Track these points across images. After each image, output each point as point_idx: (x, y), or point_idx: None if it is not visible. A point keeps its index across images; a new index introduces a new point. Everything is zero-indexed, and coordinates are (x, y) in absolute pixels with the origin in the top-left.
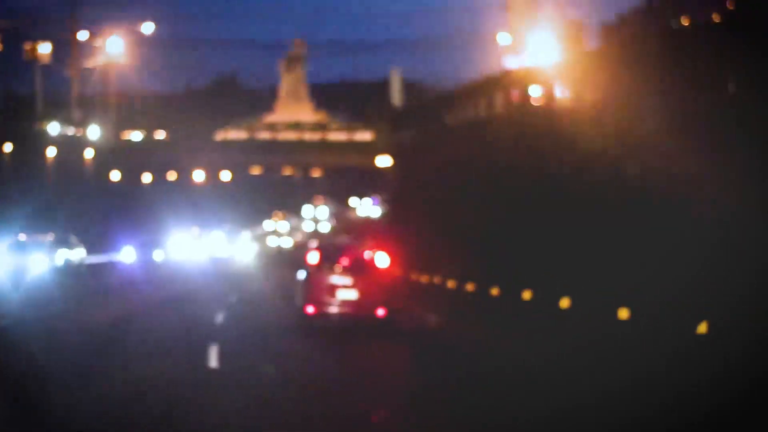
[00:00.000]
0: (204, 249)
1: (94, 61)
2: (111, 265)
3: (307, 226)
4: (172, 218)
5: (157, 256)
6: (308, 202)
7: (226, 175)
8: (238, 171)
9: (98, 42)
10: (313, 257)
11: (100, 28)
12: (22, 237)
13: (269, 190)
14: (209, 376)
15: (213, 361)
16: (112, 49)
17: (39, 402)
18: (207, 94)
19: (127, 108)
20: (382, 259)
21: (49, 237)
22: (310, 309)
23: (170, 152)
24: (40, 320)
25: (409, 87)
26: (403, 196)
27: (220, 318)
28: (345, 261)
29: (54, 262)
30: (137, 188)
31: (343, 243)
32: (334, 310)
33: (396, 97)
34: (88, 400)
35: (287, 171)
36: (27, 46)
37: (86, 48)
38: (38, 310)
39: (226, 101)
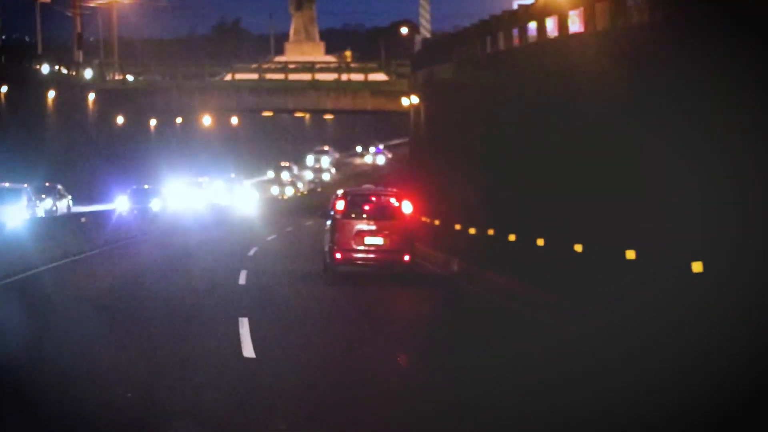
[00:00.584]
0: (204, 197)
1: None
2: (101, 216)
3: (309, 175)
4: (174, 165)
5: (155, 205)
6: (316, 149)
7: (234, 120)
8: (247, 114)
9: None
10: (340, 205)
11: None
12: None
13: (277, 135)
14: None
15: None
16: None
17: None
18: (212, 39)
19: (129, 52)
20: (406, 206)
21: (25, 185)
22: (338, 255)
23: (177, 96)
24: None
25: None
26: (426, 139)
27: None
28: (371, 208)
29: (35, 212)
30: (141, 133)
31: (368, 191)
32: (361, 255)
33: (422, 32)
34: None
35: (299, 114)
36: None
37: None
38: None
39: (232, 45)
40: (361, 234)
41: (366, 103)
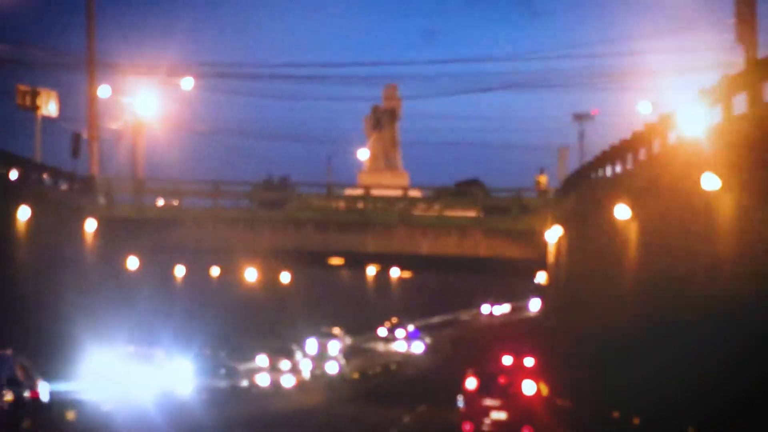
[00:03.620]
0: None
1: (118, 122)
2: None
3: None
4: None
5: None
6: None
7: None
8: (304, 265)
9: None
10: (470, 382)
11: (123, 75)
12: None
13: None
14: None
15: None
16: (142, 107)
17: None
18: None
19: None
20: (529, 385)
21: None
22: (467, 426)
23: (212, 231)
24: None
25: None
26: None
27: None
28: (497, 384)
29: None
30: (159, 283)
31: (496, 369)
32: (486, 429)
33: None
34: None
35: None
36: (22, 89)
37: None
38: None
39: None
40: (487, 409)
41: (477, 247)
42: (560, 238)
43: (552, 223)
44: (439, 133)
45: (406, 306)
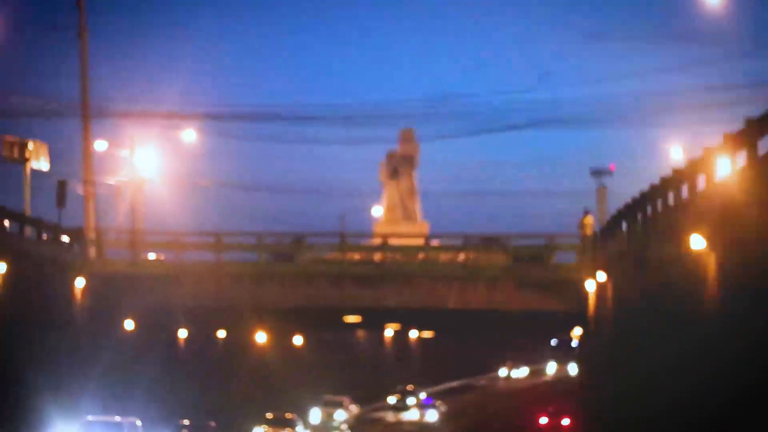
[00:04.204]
0: None
1: (116, 176)
2: None
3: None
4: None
5: None
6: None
7: (303, 342)
8: (317, 326)
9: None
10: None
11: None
12: None
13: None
14: None
15: None
16: (141, 160)
17: None
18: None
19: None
20: None
21: None
22: None
23: (215, 286)
24: None
25: None
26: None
27: None
28: None
29: None
30: (157, 347)
31: None
32: None
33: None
34: None
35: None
36: (9, 140)
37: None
38: None
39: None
40: None
41: (510, 300)
42: (604, 285)
43: (595, 269)
44: (461, 182)
45: (424, 370)
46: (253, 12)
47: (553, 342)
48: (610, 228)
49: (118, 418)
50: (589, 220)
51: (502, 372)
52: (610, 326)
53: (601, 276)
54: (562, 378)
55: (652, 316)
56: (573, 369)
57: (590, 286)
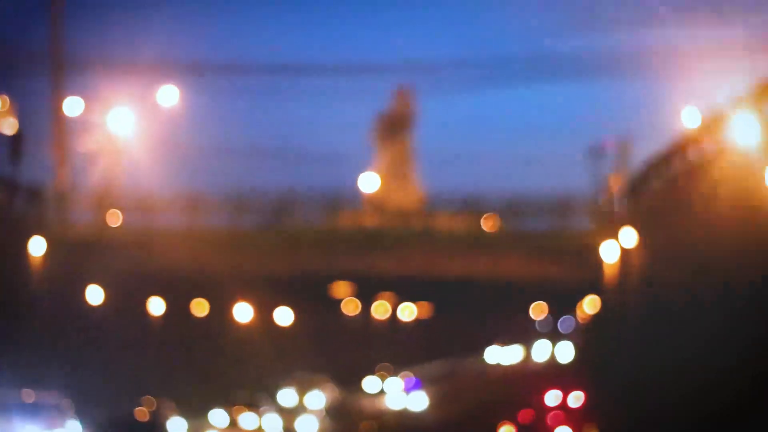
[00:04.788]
0: None
1: (89, 143)
2: None
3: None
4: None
5: None
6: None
7: (285, 316)
8: (306, 298)
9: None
10: None
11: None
12: None
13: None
14: None
15: None
16: (117, 125)
17: None
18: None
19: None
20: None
21: None
22: None
23: (192, 252)
24: None
25: None
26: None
27: None
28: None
29: None
30: (127, 320)
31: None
32: None
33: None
34: None
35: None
36: None
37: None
38: None
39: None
40: None
41: (519, 267)
42: (630, 250)
43: (616, 233)
44: (461, 142)
45: (415, 348)
46: None
47: (539, 320)
48: (639, 183)
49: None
50: (617, 179)
51: (493, 351)
52: (637, 297)
53: (628, 238)
54: (553, 361)
55: (698, 284)
56: (562, 350)
57: (610, 251)
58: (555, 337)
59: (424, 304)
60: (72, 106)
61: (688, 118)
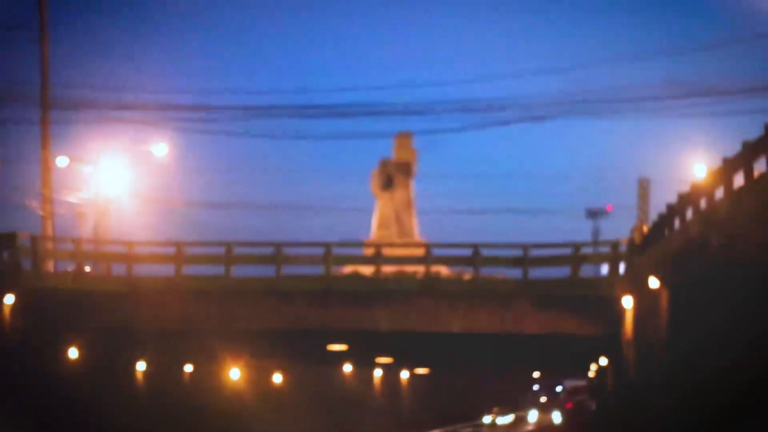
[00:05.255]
0: None
1: (79, 196)
2: None
3: None
4: None
5: None
6: None
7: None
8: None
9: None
10: None
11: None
12: None
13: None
14: None
15: None
16: (107, 177)
17: None
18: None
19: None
20: None
21: None
22: None
23: (175, 305)
24: None
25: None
26: None
27: None
28: None
29: None
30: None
31: None
32: None
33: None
34: None
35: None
36: None
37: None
38: None
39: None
40: None
41: (531, 323)
42: (655, 294)
43: (639, 280)
44: (464, 194)
45: (415, 412)
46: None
47: (536, 387)
48: (656, 230)
49: None
50: (643, 225)
51: (487, 419)
52: (662, 349)
53: (653, 283)
54: (545, 426)
55: (742, 330)
56: (557, 417)
57: (629, 301)
58: (549, 406)
59: (424, 367)
60: (60, 160)
61: (699, 166)
